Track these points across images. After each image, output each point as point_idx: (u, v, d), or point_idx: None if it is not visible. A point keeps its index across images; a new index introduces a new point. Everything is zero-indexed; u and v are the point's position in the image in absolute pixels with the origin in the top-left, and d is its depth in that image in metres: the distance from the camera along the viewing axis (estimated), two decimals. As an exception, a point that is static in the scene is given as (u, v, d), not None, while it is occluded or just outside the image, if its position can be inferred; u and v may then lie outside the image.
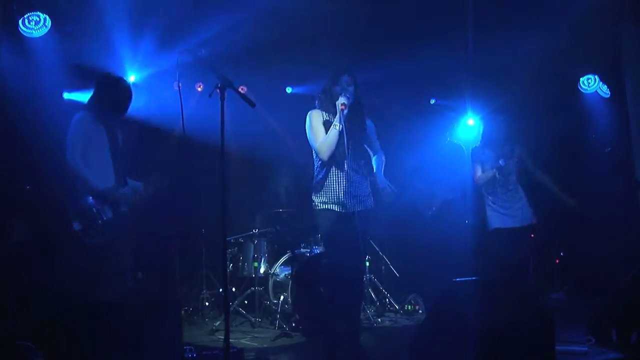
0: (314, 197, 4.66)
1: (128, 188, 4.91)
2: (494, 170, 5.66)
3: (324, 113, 4.68)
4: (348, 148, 4.48)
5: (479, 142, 5.99)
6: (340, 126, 4.46)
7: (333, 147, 4.50)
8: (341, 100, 4.48)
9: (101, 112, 4.84)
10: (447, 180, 6.72)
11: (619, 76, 7.08)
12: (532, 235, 7.88)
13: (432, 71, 7.20)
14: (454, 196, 6.75)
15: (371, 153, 4.82)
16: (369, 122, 4.85)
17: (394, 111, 8.02)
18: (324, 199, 4.59)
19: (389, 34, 6.66)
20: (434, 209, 6.70)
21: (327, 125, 4.60)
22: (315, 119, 4.66)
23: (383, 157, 4.85)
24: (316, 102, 4.77)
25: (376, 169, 4.80)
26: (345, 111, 4.47)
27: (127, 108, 4.96)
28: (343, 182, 4.56)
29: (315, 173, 4.71)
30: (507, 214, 5.69)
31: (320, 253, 6.34)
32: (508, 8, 6.09)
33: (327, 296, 5.00)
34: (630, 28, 6.85)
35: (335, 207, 4.57)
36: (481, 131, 5.95)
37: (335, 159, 4.56)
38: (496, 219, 5.72)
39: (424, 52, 6.61)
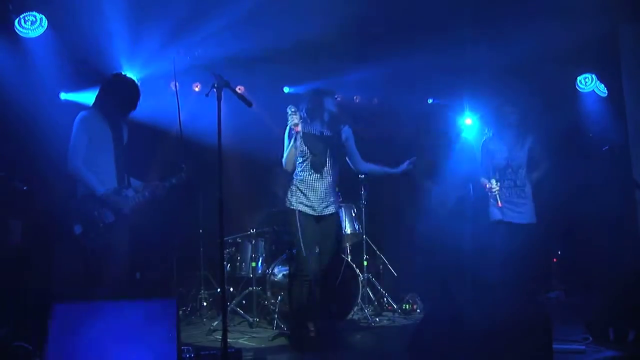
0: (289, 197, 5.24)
1: (131, 190, 4.90)
2: (492, 183, 5.61)
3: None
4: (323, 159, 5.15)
5: (490, 134, 5.93)
6: (297, 143, 5.05)
7: (292, 160, 5.14)
8: (294, 121, 5.00)
9: (108, 111, 4.82)
10: (458, 176, 6.70)
11: (616, 75, 7.08)
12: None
13: (430, 70, 7.19)
14: (465, 192, 6.72)
15: (355, 160, 5.44)
16: (346, 130, 5.39)
17: (393, 112, 8.03)
18: (297, 201, 5.17)
19: (386, 34, 6.66)
20: (449, 206, 6.68)
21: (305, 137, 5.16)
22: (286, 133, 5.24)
23: (365, 163, 5.48)
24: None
25: (377, 170, 5.50)
26: (299, 131, 5.03)
27: (135, 105, 4.96)
28: (311, 185, 5.16)
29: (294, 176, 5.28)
30: (510, 209, 5.64)
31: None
32: (505, 6, 6.09)
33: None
34: (628, 27, 6.85)
35: (307, 210, 5.14)
36: (491, 121, 5.90)
37: (311, 166, 5.16)
38: (498, 212, 5.66)
39: (421, 51, 6.61)
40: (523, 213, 5.64)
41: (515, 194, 5.66)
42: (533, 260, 5.70)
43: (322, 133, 5.26)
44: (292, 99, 7.72)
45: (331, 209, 5.26)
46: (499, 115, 5.77)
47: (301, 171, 5.21)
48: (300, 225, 5.12)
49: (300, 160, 5.20)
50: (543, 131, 6.48)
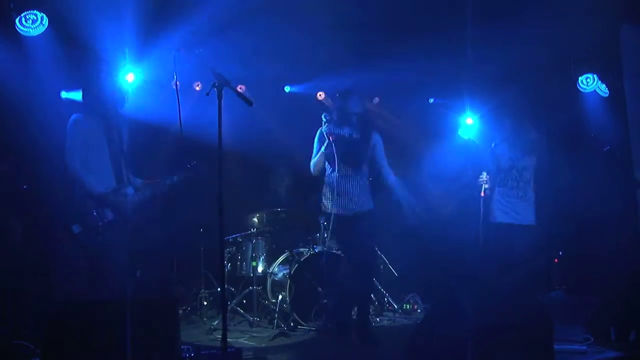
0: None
1: (130, 188, 4.89)
2: (483, 175, 5.67)
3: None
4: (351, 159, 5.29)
5: (497, 141, 5.94)
6: (327, 151, 5.24)
7: (320, 165, 5.35)
8: (328, 129, 5.23)
9: (97, 110, 4.80)
10: (461, 177, 6.71)
11: (617, 75, 7.07)
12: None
13: (431, 70, 7.19)
14: (470, 193, 6.72)
15: (380, 169, 5.54)
16: (376, 136, 5.52)
17: (395, 111, 8.03)
18: (331, 204, 5.36)
19: (388, 33, 6.65)
20: (451, 207, 6.68)
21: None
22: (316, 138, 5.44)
23: (393, 177, 5.51)
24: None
25: (397, 193, 5.51)
26: (333, 139, 5.22)
27: (122, 104, 4.92)
28: (342, 187, 5.33)
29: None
30: (509, 209, 5.64)
31: (319, 252, 6.33)
32: (507, 6, 6.08)
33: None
34: (629, 27, 6.83)
35: (341, 211, 5.33)
36: (498, 127, 5.90)
37: (342, 168, 5.31)
38: (498, 213, 5.67)
39: (423, 51, 6.60)
40: (522, 214, 5.63)
41: (516, 195, 5.65)
42: (533, 260, 5.68)
43: (351, 135, 5.41)
44: (294, 98, 7.78)
45: (366, 207, 5.43)
46: (493, 118, 5.79)
47: (331, 173, 5.37)
48: (334, 226, 5.32)
49: (330, 163, 5.36)
50: (545, 132, 6.49)
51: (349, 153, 5.33)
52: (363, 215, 5.41)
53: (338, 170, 5.32)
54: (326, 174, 5.41)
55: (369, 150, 5.46)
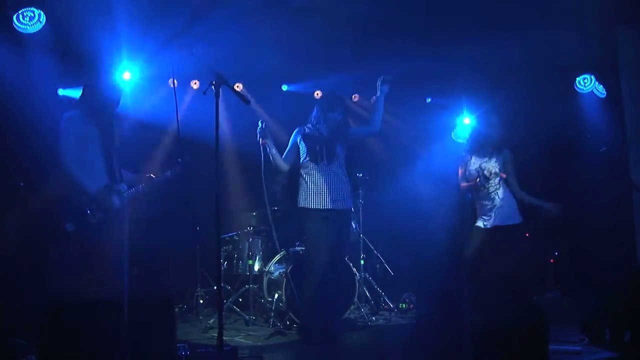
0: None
1: (124, 185, 4.88)
2: (476, 177, 5.53)
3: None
4: (325, 155, 5.39)
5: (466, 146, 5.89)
6: (271, 153, 5.39)
7: (278, 166, 5.48)
8: (260, 135, 5.32)
9: (91, 109, 4.80)
10: (453, 180, 6.69)
11: (615, 76, 7.08)
12: (527, 235, 7.89)
13: (428, 70, 7.19)
14: (460, 198, 6.71)
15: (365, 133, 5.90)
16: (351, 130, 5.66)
17: (391, 111, 8.04)
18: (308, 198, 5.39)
19: (385, 32, 6.65)
20: (445, 208, 6.68)
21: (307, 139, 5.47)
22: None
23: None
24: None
25: (374, 112, 5.68)
26: (266, 144, 5.34)
27: (117, 102, 4.92)
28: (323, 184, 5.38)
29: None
30: (483, 215, 5.52)
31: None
32: (505, 7, 6.08)
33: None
34: (627, 28, 6.85)
35: (317, 206, 5.35)
36: (469, 135, 5.83)
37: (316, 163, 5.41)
38: (476, 218, 5.59)
39: (421, 50, 6.60)
40: (501, 216, 5.54)
41: (490, 200, 5.53)
42: (521, 261, 5.63)
43: (323, 133, 5.46)
44: (291, 97, 7.79)
45: (345, 205, 5.47)
46: (484, 121, 5.69)
47: (309, 169, 5.42)
48: (312, 222, 5.36)
49: (308, 159, 5.41)
50: (539, 132, 6.49)
51: (323, 149, 5.42)
52: (343, 212, 5.48)
53: (314, 166, 5.40)
54: (305, 169, 5.46)
55: (346, 148, 5.56)
